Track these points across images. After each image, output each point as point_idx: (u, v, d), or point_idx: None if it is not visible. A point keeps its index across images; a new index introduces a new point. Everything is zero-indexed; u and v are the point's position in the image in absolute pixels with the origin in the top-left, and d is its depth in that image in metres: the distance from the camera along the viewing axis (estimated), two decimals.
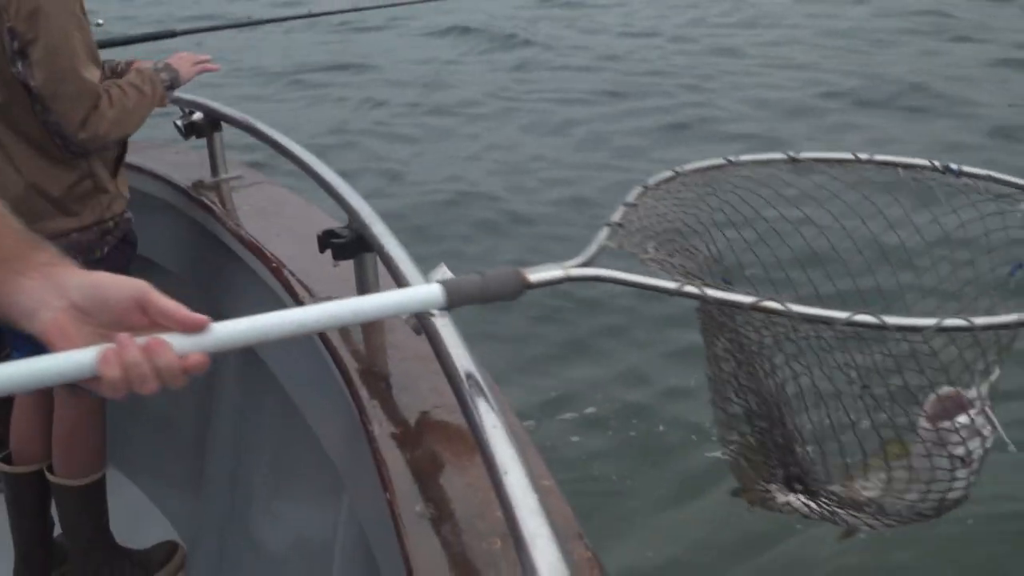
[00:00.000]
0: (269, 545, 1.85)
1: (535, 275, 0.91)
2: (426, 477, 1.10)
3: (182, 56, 2.09)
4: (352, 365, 1.41)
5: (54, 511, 2.15)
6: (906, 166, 1.25)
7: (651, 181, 1.22)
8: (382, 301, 0.86)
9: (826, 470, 1.14)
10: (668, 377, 3.52)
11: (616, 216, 1.09)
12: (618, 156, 6.09)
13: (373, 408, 1.29)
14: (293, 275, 1.70)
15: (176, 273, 2.27)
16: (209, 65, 2.16)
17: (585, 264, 0.97)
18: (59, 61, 1.73)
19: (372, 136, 6.98)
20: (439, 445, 1.17)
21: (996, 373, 1.04)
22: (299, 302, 1.60)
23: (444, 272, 1.23)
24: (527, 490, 0.75)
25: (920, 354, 0.92)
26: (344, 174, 1.64)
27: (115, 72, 2.03)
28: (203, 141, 2.28)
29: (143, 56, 2.22)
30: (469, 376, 0.92)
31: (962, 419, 1.04)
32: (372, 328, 1.49)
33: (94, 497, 2.11)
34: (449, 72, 8.73)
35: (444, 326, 1.01)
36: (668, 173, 1.25)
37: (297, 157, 1.79)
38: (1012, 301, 1.01)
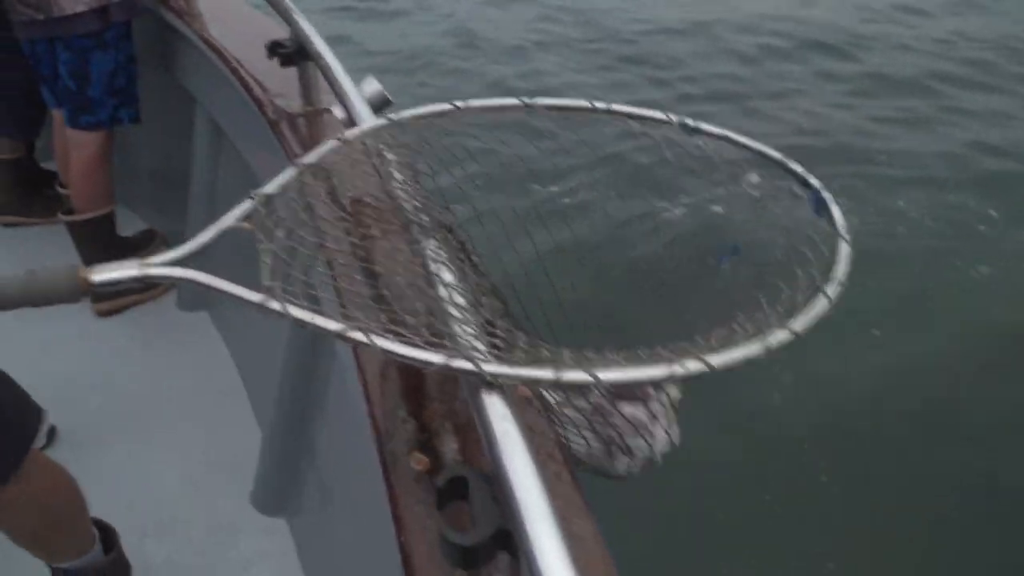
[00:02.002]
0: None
1: (101, 275, 0.80)
2: None
3: None
4: None
5: None
6: (641, 118, 1.11)
7: (347, 134, 1.08)
8: None
9: None
10: None
11: (266, 187, 0.95)
12: None
13: None
14: (250, 75, 1.97)
15: (151, 66, 2.68)
16: None
17: (178, 261, 0.84)
18: None
19: None
20: None
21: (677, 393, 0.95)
22: (253, 97, 1.88)
23: (372, 83, 1.40)
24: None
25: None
26: None
27: None
28: None
29: None
30: None
31: (629, 408, 0.94)
32: None
33: (106, 228, 2.67)
34: None
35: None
36: (380, 121, 1.12)
37: None
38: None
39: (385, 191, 1.01)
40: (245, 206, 0.91)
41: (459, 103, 1.14)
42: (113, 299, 2.73)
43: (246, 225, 0.90)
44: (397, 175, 1.02)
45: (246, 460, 2.04)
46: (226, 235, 0.89)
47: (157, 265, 0.82)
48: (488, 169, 1.09)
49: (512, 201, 1.08)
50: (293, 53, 1.72)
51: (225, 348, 2.54)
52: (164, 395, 2.37)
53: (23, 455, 1.45)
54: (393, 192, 1.00)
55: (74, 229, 2.66)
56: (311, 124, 1.76)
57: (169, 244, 3.02)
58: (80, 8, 2.37)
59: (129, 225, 3.00)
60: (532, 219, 1.07)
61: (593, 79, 6.49)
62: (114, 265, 0.80)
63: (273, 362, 1.92)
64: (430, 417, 0.93)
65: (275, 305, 0.77)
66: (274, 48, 1.75)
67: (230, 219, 0.89)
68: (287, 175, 0.98)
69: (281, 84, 1.87)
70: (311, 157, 1.01)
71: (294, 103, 1.78)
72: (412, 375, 1.00)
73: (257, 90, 1.92)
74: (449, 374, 0.74)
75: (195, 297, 2.67)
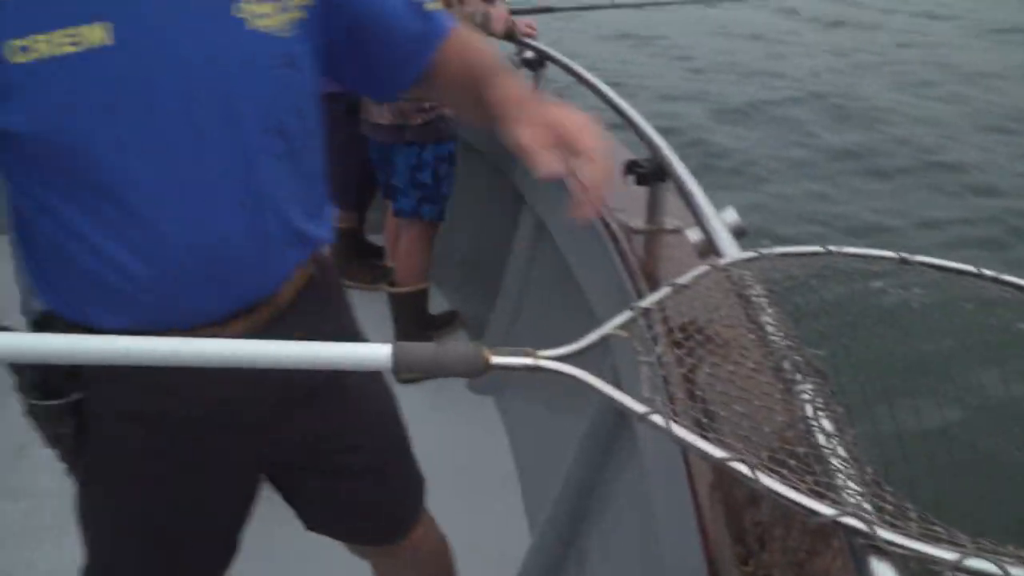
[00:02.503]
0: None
1: (499, 358, 0.86)
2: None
3: (502, 13, 2.56)
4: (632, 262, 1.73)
5: None
6: None
7: (722, 262, 1.11)
8: (324, 351, 0.84)
9: None
10: None
11: (645, 301, 0.99)
12: None
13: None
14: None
15: (480, 161, 3.02)
16: (525, 29, 3.01)
17: (564, 357, 0.88)
18: None
19: None
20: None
21: None
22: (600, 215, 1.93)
23: (732, 212, 1.45)
24: None
25: None
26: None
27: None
28: None
29: None
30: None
31: None
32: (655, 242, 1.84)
33: (420, 302, 2.99)
34: None
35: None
36: (750, 254, 1.13)
37: (601, 91, 2.18)
38: None
39: (756, 324, 1.01)
40: (625, 316, 0.95)
41: (832, 247, 1.13)
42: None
43: (624, 334, 0.94)
44: (768, 310, 1.02)
45: (509, 555, 2.06)
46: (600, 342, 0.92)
47: (549, 359, 0.87)
48: (853, 318, 1.06)
49: (878, 358, 1.04)
50: (650, 173, 1.79)
51: (506, 438, 2.62)
52: (438, 470, 2.46)
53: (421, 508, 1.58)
54: (764, 327, 0.99)
55: (394, 299, 2.94)
56: (654, 242, 1.82)
57: (467, 327, 3.21)
58: (417, 120, 2.77)
59: (435, 303, 3.23)
60: (899, 386, 1.02)
61: None
62: (510, 350, 0.86)
63: (553, 462, 1.94)
64: (771, 553, 0.90)
65: (658, 420, 0.79)
66: (632, 167, 1.82)
67: (611, 327, 0.93)
68: (662, 292, 1.01)
69: (621, 199, 1.95)
70: (685, 279, 1.04)
71: (636, 219, 1.85)
72: (748, 502, 0.98)
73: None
74: (830, 528, 0.71)
75: (486, 381, 2.80)
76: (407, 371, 0.84)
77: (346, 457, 1.44)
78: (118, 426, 1.26)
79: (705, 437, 0.77)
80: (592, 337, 0.92)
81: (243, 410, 1.28)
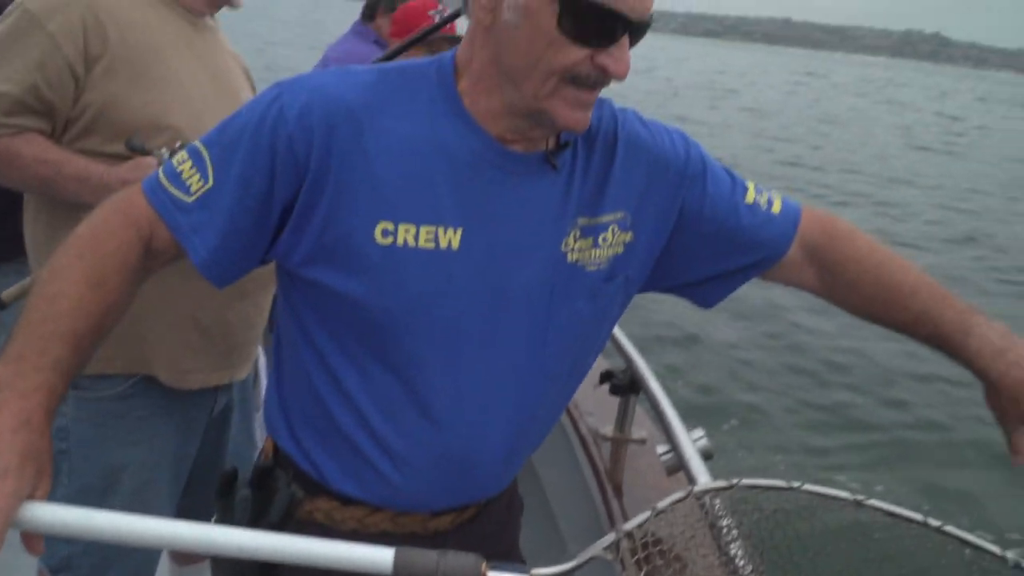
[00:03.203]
0: None
1: (496, 572, 0.95)
2: None
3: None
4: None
5: None
6: (977, 548, 1.15)
7: (697, 488, 1.22)
8: (329, 549, 0.92)
9: None
10: None
11: (629, 524, 1.09)
12: None
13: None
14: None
15: None
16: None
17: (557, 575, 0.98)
18: None
19: None
20: None
21: None
22: (571, 418, 1.99)
23: (700, 433, 1.53)
24: None
25: None
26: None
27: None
28: None
29: None
30: None
31: None
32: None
33: None
34: None
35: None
36: (723, 483, 1.25)
37: None
38: None
39: (726, 556, 1.11)
40: (610, 538, 1.06)
41: (795, 483, 1.25)
42: None
43: (609, 556, 1.04)
44: (738, 541, 1.12)
45: None
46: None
47: None
48: (812, 555, 1.17)
49: None
50: (624, 385, 1.88)
51: None
52: None
53: None
54: (734, 559, 1.10)
55: None
56: (621, 450, 1.91)
57: None
58: None
59: None
60: None
61: None
62: (509, 565, 0.96)
63: None
64: None
65: None
66: (606, 377, 1.90)
67: (597, 548, 1.04)
68: (644, 516, 1.12)
69: (590, 404, 2.05)
70: (664, 503, 1.15)
71: (606, 425, 1.96)
72: None
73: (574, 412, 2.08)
74: None
75: None
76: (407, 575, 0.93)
77: None
78: None
79: None
80: (583, 557, 1.02)
81: None
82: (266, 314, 1.89)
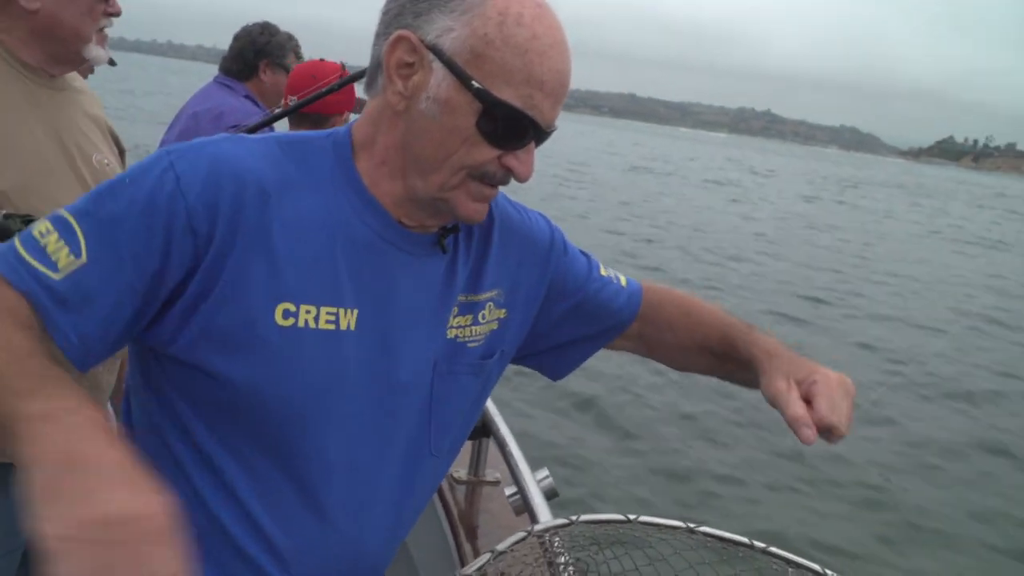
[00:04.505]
0: None
1: None
2: None
3: None
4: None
5: None
6: (800, 567, 1.21)
7: (537, 527, 1.22)
8: None
9: None
10: None
11: (468, 568, 1.09)
12: None
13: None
14: None
15: None
16: None
17: None
18: None
19: None
20: None
21: None
22: None
23: (546, 476, 1.57)
24: None
25: None
26: None
27: None
28: None
29: None
30: None
31: None
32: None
33: None
34: None
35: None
36: (561, 521, 1.26)
37: None
38: None
39: None
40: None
41: (631, 516, 1.28)
42: None
43: None
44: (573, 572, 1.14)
45: None
46: None
47: None
48: None
49: None
50: (478, 428, 1.88)
51: None
52: None
53: None
54: None
55: None
56: (475, 493, 1.93)
57: None
58: None
59: None
60: None
61: None
62: None
63: None
64: None
65: None
66: None
67: None
68: (483, 559, 1.12)
69: None
70: (504, 545, 1.16)
71: (460, 468, 1.96)
72: None
73: None
74: None
75: None
76: None
77: None
78: None
79: None
80: None
81: None
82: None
